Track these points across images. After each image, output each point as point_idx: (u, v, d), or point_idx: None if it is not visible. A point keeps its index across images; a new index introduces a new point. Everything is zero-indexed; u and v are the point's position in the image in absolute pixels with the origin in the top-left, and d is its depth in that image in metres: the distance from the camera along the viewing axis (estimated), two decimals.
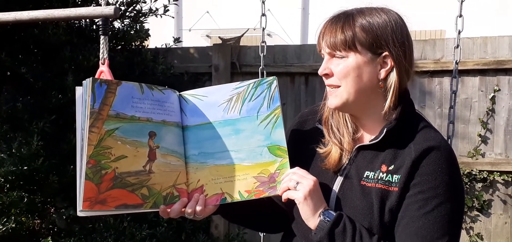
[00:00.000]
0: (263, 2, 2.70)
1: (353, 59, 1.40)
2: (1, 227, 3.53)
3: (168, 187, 1.46)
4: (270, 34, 10.18)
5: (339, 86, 1.43)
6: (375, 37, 1.39)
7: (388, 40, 1.40)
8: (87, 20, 4.22)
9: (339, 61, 1.42)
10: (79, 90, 1.41)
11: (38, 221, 4.05)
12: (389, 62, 1.41)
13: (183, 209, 1.47)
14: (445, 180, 1.37)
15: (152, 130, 1.44)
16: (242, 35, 4.84)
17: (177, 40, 4.77)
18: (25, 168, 3.59)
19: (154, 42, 5.06)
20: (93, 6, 3.99)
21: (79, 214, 1.36)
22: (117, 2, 4.27)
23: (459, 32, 2.48)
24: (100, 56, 1.78)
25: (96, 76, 1.90)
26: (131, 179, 1.39)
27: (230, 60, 4.69)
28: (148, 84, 1.47)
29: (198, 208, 1.47)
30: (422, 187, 1.37)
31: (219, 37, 4.85)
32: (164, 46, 4.83)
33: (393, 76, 1.41)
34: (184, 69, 4.76)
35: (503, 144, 4.19)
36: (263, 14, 2.71)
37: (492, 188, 4.23)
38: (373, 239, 1.38)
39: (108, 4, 1.85)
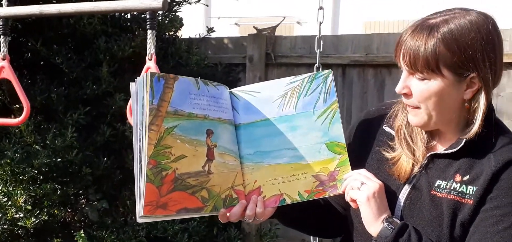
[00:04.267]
0: None
1: (436, 83, 1.26)
2: (34, 219, 3.53)
3: (226, 188, 1.39)
4: (299, 22, 10.06)
5: (418, 107, 1.31)
6: (463, 59, 1.24)
7: (478, 61, 1.24)
8: None
9: (420, 83, 1.28)
10: (133, 86, 1.33)
11: (70, 213, 4.04)
12: (477, 83, 1.26)
13: (242, 212, 1.40)
14: None
15: (209, 128, 1.37)
16: (278, 25, 4.73)
17: (210, 30, 4.68)
18: (59, 160, 3.58)
19: (184, 31, 5.01)
20: None
21: (139, 220, 1.29)
22: None
23: None
24: (147, 52, 1.71)
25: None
26: (191, 180, 1.33)
27: (265, 51, 4.58)
28: (202, 79, 1.40)
29: (259, 210, 1.40)
30: (501, 202, 1.25)
31: (254, 27, 4.75)
32: (198, 36, 4.75)
33: (481, 98, 1.27)
34: (217, 60, 4.68)
35: None
36: (321, 8, 2.58)
37: None
38: None
39: None
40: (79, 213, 3.95)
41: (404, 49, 1.28)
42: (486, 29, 1.25)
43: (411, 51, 1.26)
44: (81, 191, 3.90)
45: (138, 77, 1.32)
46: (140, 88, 1.31)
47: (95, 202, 3.84)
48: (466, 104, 1.29)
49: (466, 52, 1.23)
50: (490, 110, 1.33)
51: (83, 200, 4.03)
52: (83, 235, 3.50)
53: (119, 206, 3.87)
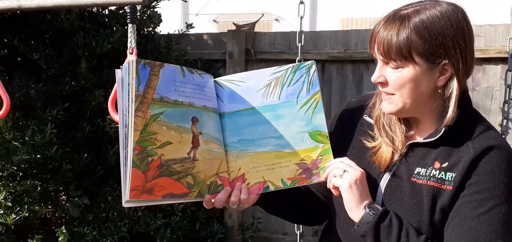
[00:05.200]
0: None
1: (409, 70, 1.30)
2: (14, 216, 3.51)
3: (211, 175, 1.41)
4: (278, 19, 10.08)
5: (393, 94, 1.34)
6: (434, 46, 1.28)
7: (449, 48, 1.28)
8: None
9: (394, 71, 1.32)
10: (119, 73, 1.34)
11: (51, 209, 4.01)
12: (449, 70, 1.31)
13: (226, 199, 1.42)
14: (503, 181, 1.29)
15: (195, 115, 1.38)
16: (257, 21, 4.75)
17: (190, 26, 4.68)
18: (39, 156, 3.55)
19: (162, 27, 4.98)
20: None
21: (125, 205, 1.29)
22: None
23: None
24: (128, 46, 1.71)
25: None
26: (176, 166, 1.34)
27: (245, 47, 4.60)
28: (188, 67, 1.41)
29: (243, 196, 1.42)
30: (479, 187, 1.29)
31: (233, 23, 4.75)
32: (177, 32, 4.74)
33: (454, 84, 1.31)
34: (197, 56, 4.67)
35: None
36: (301, 2, 2.61)
37: None
38: (420, 238, 1.32)
39: None
40: (60, 209, 3.92)
41: (378, 40, 1.32)
42: (456, 18, 1.30)
43: (385, 41, 1.30)
44: (61, 188, 3.88)
45: (123, 64, 1.32)
46: (126, 75, 1.31)
47: (76, 199, 3.81)
48: (439, 90, 1.33)
49: (437, 40, 1.28)
50: (466, 100, 1.37)
51: (64, 197, 4.00)
52: (64, 231, 3.48)
53: (100, 202, 3.85)
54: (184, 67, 1.40)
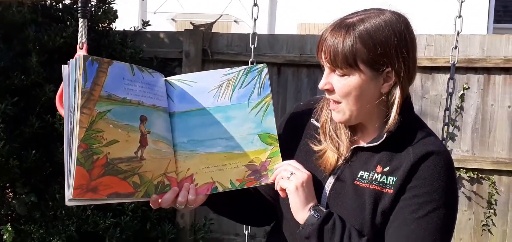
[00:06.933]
0: None
1: (355, 78, 1.33)
2: None
3: (159, 175, 1.39)
4: (237, 20, 10.10)
5: (340, 102, 1.37)
6: (378, 55, 1.31)
7: (392, 56, 1.32)
8: None
9: (340, 79, 1.35)
10: (65, 68, 1.31)
11: None
12: (392, 77, 1.34)
13: (174, 199, 1.42)
14: (441, 186, 1.34)
15: (144, 114, 1.37)
16: (215, 22, 4.74)
17: (146, 23, 4.63)
18: None
19: (118, 24, 4.91)
20: None
21: (68, 203, 1.27)
22: None
23: (458, 33, 2.45)
24: (78, 40, 1.68)
25: None
26: (122, 165, 1.32)
27: (202, 47, 4.58)
28: (138, 65, 1.40)
29: (191, 197, 1.42)
30: (418, 191, 1.34)
31: (191, 23, 4.74)
32: (132, 29, 4.68)
33: (397, 91, 1.35)
34: (153, 54, 4.63)
35: (470, 141, 4.26)
36: (255, 4, 2.62)
37: (458, 184, 4.30)
38: (362, 240, 1.35)
39: None
40: (6, 206, 3.81)
41: (324, 47, 1.35)
42: (399, 27, 1.34)
43: (331, 48, 1.33)
44: (8, 184, 3.77)
45: (71, 60, 1.29)
46: (72, 71, 1.28)
47: (23, 196, 3.71)
48: (383, 97, 1.37)
49: (381, 48, 1.31)
50: (408, 106, 1.42)
51: (10, 194, 3.89)
52: (10, 229, 3.39)
53: (48, 200, 3.76)
54: (133, 65, 1.38)
